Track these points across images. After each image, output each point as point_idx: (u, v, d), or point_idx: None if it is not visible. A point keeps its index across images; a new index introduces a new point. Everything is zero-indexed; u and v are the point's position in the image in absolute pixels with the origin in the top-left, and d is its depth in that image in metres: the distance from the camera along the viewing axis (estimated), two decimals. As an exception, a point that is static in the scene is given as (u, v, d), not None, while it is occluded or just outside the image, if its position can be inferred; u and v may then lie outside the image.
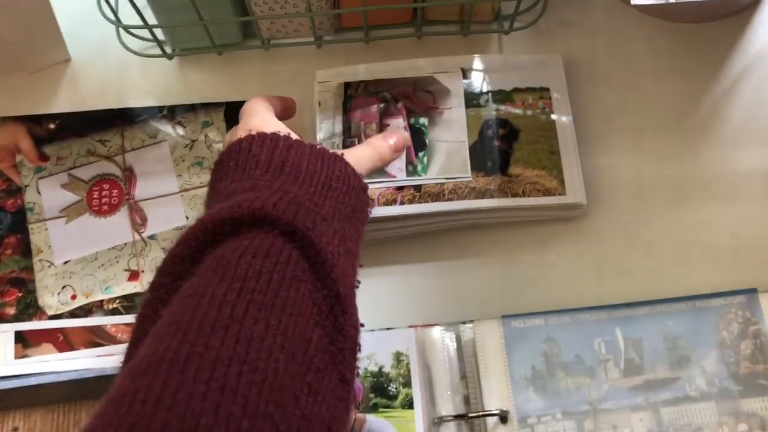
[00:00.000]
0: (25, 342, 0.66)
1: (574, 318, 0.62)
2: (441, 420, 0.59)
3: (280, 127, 0.51)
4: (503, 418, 0.59)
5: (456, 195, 0.64)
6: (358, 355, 0.41)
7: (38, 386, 0.63)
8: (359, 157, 0.54)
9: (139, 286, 0.68)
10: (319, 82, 0.68)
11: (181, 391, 0.30)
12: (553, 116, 0.68)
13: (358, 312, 0.42)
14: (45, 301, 0.68)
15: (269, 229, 0.39)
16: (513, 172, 0.66)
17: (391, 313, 0.65)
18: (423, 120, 0.66)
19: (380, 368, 0.61)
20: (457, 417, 0.59)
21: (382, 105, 0.67)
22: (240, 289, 0.35)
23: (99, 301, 0.68)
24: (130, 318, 0.67)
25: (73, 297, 0.68)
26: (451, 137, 0.66)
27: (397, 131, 0.63)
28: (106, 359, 0.65)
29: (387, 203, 0.64)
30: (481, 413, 0.58)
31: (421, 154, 0.65)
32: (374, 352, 0.62)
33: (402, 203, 0.64)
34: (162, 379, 0.31)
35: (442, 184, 0.65)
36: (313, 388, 0.36)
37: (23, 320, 0.67)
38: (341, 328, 0.39)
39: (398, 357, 0.61)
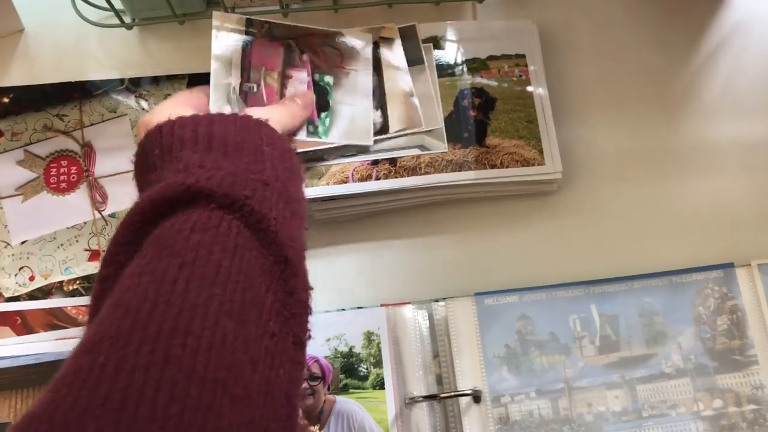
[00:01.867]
0: (-19, 326, 0.64)
1: (549, 294, 0.61)
2: (413, 401, 0.57)
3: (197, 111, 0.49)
4: (476, 397, 0.57)
5: (433, 168, 0.62)
6: (310, 317, 0.40)
7: (-5, 371, 0.60)
8: (278, 116, 0.52)
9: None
10: (216, 16, 0.60)
11: (123, 365, 0.29)
12: (530, 84, 0.65)
13: (308, 274, 0.41)
14: (2, 283, 0.65)
15: (206, 203, 0.38)
16: (490, 142, 0.64)
17: (361, 292, 0.63)
18: (328, 78, 0.61)
19: (351, 348, 0.59)
20: (429, 397, 0.57)
21: (285, 53, 0.60)
22: (180, 264, 0.34)
23: (58, 282, 0.65)
24: (91, 300, 0.64)
25: (32, 278, 0.65)
26: (356, 101, 0.61)
27: (303, 93, 0.59)
28: (66, 342, 0.62)
29: (362, 179, 0.62)
30: (453, 393, 0.57)
31: (323, 114, 0.60)
32: (344, 332, 0.60)
33: (377, 178, 0.62)
34: (104, 356, 0.30)
35: (419, 157, 0.62)
36: (270, 351, 0.35)
37: (-21, 303, 0.64)
38: (292, 291, 0.38)
39: (369, 337, 0.60)
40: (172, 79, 0.70)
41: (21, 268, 0.65)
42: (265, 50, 0.60)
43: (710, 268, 0.61)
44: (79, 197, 0.67)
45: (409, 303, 0.61)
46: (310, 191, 0.62)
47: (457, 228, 0.65)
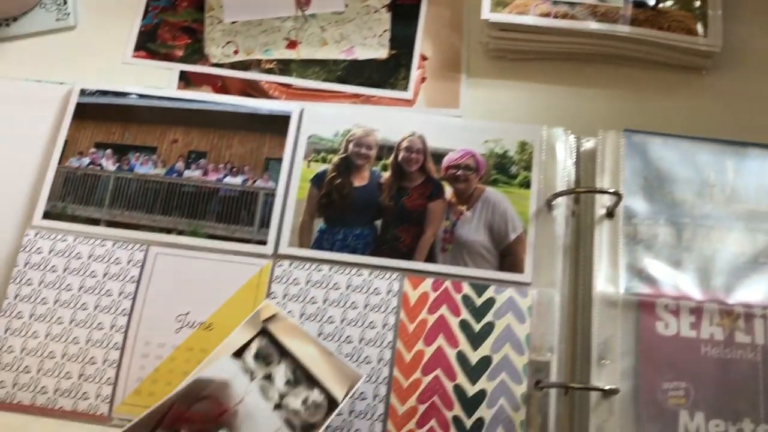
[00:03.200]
0: (188, 81, 0.74)
1: (692, 144, 0.67)
2: (554, 196, 0.64)
3: None
4: (610, 213, 0.64)
5: (607, 18, 0.70)
6: None
7: (198, 111, 0.70)
8: None
9: (295, 53, 0.75)
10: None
11: None
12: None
13: None
14: (210, 51, 0.75)
15: None
16: (662, 8, 0.70)
17: (523, 114, 0.71)
18: None
19: (505, 152, 0.67)
20: (570, 192, 0.64)
21: None
22: None
23: (257, 60, 0.75)
24: (283, 78, 0.74)
25: (236, 52, 0.75)
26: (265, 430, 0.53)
27: None
28: (257, 103, 0.72)
29: (542, 15, 0.70)
30: (594, 189, 0.64)
31: None
32: (502, 138, 0.67)
33: (555, 17, 0.70)
34: None
35: (596, 6, 0.70)
36: None
37: (189, 63, 0.75)
38: None
39: (523, 146, 0.67)
40: None
41: (228, 42, 0.76)
42: None
43: None
44: (286, -4, 0.77)
45: (563, 127, 0.68)
46: (492, 16, 0.70)
47: (613, 84, 0.72)
